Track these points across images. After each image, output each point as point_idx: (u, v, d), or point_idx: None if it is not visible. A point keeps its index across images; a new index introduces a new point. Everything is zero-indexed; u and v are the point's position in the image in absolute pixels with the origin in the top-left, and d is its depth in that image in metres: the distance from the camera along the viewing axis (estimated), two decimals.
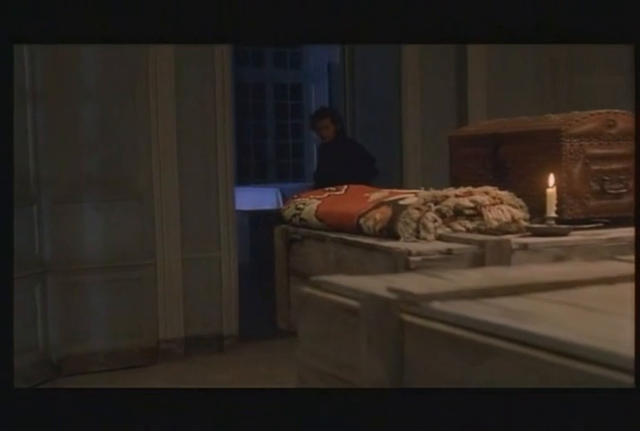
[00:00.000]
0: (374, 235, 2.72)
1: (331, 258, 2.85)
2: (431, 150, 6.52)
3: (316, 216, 3.01)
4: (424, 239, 2.58)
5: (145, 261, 5.81)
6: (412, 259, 2.38)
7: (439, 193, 2.70)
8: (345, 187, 3.29)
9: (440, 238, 2.60)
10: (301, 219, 3.10)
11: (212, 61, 5.90)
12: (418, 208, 2.63)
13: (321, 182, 6.37)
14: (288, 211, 3.20)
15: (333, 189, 3.27)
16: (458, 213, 2.67)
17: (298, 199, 3.22)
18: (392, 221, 2.66)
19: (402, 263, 2.39)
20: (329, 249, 2.86)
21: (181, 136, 5.83)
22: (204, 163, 5.96)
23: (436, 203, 2.66)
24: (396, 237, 2.63)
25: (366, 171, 6.20)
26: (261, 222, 8.86)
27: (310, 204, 3.11)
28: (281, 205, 11.37)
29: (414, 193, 2.87)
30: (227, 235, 6.08)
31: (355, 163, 6.17)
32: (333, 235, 2.85)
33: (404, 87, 6.47)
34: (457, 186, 2.97)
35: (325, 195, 3.21)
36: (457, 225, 2.65)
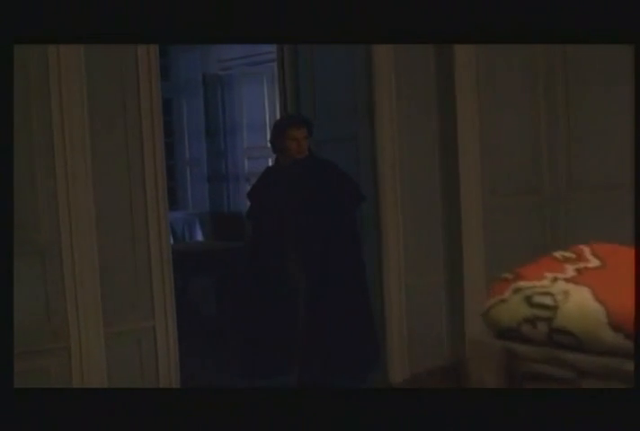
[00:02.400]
0: None
1: None
2: (413, 172, 4.90)
3: (615, 325, 1.31)
4: None
5: (52, 344, 3.87)
6: None
7: None
8: (586, 249, 1.59)
9: None
10: (557, 330, 1.38)
11: (135, 65, 4.01)
12: None
13: (279, 216, 4.60)
14: (507, 309, 1.44)
15: (570, 255, 1.57)
16: None
17: (522, 283, 1.49)
18: None
19: None
20: None
21: (96, 162, 3.92)
22: (129, 199, 4.09)
23: None
24: None
25: (351, 196, 4.48)
26: None
27: (571, 294, 1.41)
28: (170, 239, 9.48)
29: None
30: (163, 295, 4.23)
31: (339, 187, 4.43)
32: None
33: (377, 95, 4.78)
34: None
35: (571, 271, 1.50)
36: None
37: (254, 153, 8.69)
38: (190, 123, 10.67)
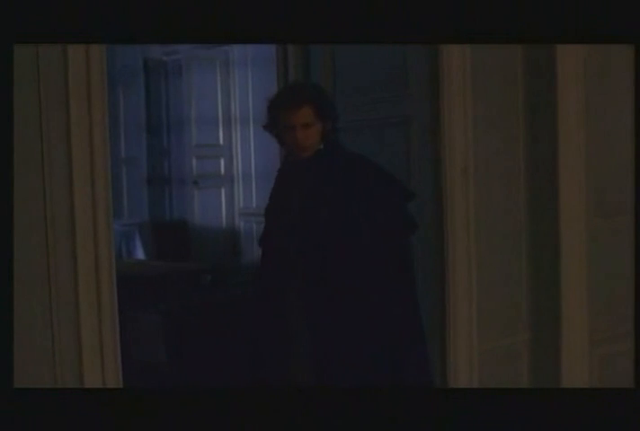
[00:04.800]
0: None
1: None
2: (491, 180, 3.19)
3: None
4: None
5: None
6: None
7: None
8: None
9: None
10: None
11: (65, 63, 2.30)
12: None
13: (287, 242, 2.74)
14: None
15: None
16: None
17: None
18: None
19: None
20: None
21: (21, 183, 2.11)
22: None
23: None
24: None
25: (405, 218, 2.64)
26: None
27: None
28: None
29: None
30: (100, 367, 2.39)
31: (378, 203, 2.57)
32: None
33: (445, 89, 3.01)
34: None
35: None
36: None
37: (204, 151, 7.52)
38: (127, 116, 9.60)
